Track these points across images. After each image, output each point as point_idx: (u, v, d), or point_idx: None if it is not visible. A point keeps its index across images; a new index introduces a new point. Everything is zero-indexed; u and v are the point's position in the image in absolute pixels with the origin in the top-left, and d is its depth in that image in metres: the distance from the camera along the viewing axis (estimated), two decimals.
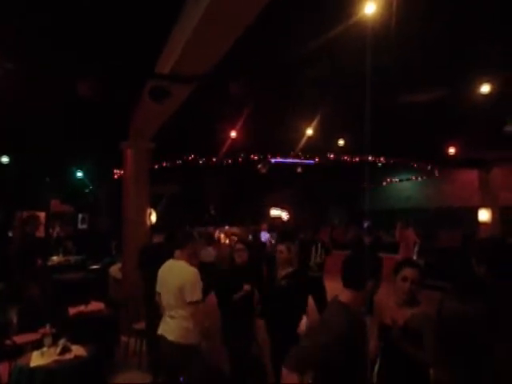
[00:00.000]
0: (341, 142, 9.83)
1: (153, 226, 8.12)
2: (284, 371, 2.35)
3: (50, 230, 13.00)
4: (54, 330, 4.47)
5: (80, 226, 14.59)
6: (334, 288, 2.93)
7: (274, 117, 8.00)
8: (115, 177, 12.28)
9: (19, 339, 5.18)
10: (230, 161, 11.63)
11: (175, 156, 11.44)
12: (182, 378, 4.04)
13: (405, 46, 5.01)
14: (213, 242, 8.67)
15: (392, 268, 3.07)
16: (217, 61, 4.40)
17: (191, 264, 4.06)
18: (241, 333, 4.65)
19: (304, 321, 4.13)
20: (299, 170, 13.84)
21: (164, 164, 11.62)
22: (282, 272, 4.51)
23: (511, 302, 2.69)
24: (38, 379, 3.86)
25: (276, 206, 19.93)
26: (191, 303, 3.84)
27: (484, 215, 13.46)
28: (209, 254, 7.79)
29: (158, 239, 6.26)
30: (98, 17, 4.34)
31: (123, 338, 6.36)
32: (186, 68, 4.65)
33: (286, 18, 4.44)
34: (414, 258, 10.00)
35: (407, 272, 2.98)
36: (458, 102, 7.20)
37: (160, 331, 4.05)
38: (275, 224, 16.58)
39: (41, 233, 10.19)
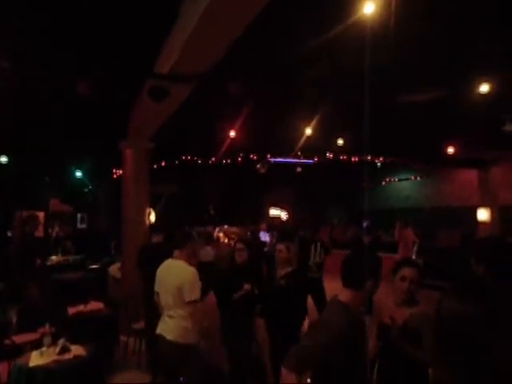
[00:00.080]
0: (340, 142, 9.83)
1: (152, 226, 8.13)
2: (283, 371, 2.35)
3: (49, 230, 13.00)
4: (53, 330, 4.48)
5: (79, 226, 14.58)
6: (334, 288, 2.93)
7: (274, 116, 8.00)
8: (114, 176, 12.29)
9: (18, 339, 5.18)
10: (229, 160, 11.63)
11: (174, 156, 11.44)
12: (181, 379, 4.04)
13: (404, 45, 5.01)
14: (211, 241, 8.67)
15: (391, 268, 3.07)
16: (216, 60, 4.40)
17: (190, 264, 4.06)
18: (240, 332, 4.65)
19: (307, 321, 4.14)
20: (299, 169, 13.85)
21: (163, 164, 11.62)
22: (282, 271, 4.50)
23: (510, 302, 2.69)
24: (38, 379, 3.86)
25: (275, 205, 19.92)
26: (190, 303, 3.85)
27: (483, 215, 13.46)
28: (208, 253, 7.80)
29: (157, 239, 6.27)
30: (98, 17, 4.34)
31: (122, 338, 6.36)
32: (185, 68, 4.65)
33: (285, 17, 4.44)
34: (413, 257, 9.99)
35: (406, 272, 2.99)
36: (457, 102, 7.20)
37: (158, 331, 4.06)
38: (274, 224, 16.58)
39: (40, 232, 10.18)
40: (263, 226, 11.92)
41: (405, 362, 2.85)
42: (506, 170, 13.04)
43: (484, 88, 6.32)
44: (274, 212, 19.89)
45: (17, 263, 6.74)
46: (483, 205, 13.50)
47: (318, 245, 7.45)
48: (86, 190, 14.00)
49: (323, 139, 9.63)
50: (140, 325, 5.99)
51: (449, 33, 4.91)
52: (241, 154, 11.45)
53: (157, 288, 4.20)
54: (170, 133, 7.99)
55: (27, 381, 3.87)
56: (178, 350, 3.89)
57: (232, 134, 8.59)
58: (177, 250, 4.14)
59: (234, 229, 7.56)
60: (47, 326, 4.46)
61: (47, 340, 4.25)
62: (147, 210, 7.86)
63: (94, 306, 6.08)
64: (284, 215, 19.93)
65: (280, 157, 12.04)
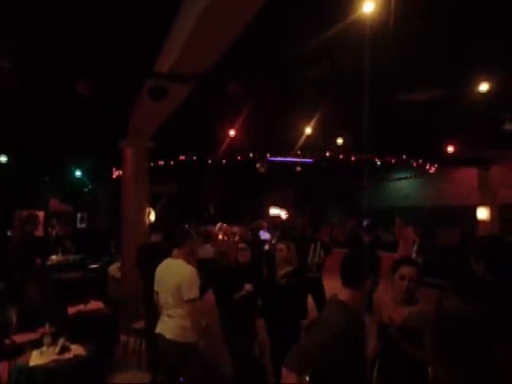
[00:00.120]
0: (339, 141, 9.82)
1: (151, 225, 8.13)
2: (284, 371, 2.35)
3: (49, 229, 13.00)
4: (53, 330, 4.48)
5: (79, 226, 14.59)
6: (333, 286, 2.94)
7: (274, 116, 8.00)
8: (114, 176, 12.29)
9: (18, 338, 5.18)
10: (229, 160, 11.62)
11: (174, 155, 11.44)
12: (181, 379, 4.04)
13: (403, 44, 5.01)
14: (211, 239, 8.67)
15: (390, 266, 3.07)
16: (216, 60, 4.40)
17: (189, 262, 4.06)
18: (242, 332, 4.64)
19: (307, 321, 4.15)
20: (298, 169, 13.83)
21: (163, 163, 11.62)
22: (282, 271, 4.50)
23: (510, 301, 2.70)
24: (38, 378, 3.87)
25: (275, 205, 19.92)
26: (188, 301, 3.84)
27: (483, 213, 13.46)
28: (207, 251, 7.82)
29: (156, 238, 6.27)
30: (97, 17, 4.34)
31: (122, 337, 6.36)
32: (184, 67, 4.65)
33: (284, 17, 4.44)
34: (413, 256, 9.98)
35: (405, 270, 2.99)
36: (457, 101, 7.20)
37: (158, 330, 4.06)
38: (274, 223, 16.56)
39: (40, 232, 10.19)
40: (264, 224, 11.89)
41: (405, 363, 2.85)
42: (505, 168, 13.04)
43: (484, 87, 6.32)
44: (273, 211, 19.89)
45: (17, 263, 6.75)
46: (483, 203, 13.50)
47: (318, 244, 7.43)
48: (86, 189, 14.01)
49: (322, 138, 9.63)
50: (140, 324, 5.99)
51: (448, 32, 4.91)
52: (241, 154, 11.45)
53: (156, 287, 4.20)
54: (170, 132, 7.99)
55: (27, 380, 3.87)
56: (178, 349, 3.89)
57: (232, 133, 8.59)
58: (175, 248, 4.14)
59: (235, 228, 7.53)
60: (47, 326, 4.47)
61: (47, 339, 4.26)
62: (147, 210, 7.87)
63: (94, 305, 6.08)
64: (284, 214, 19.92)
65: (280, 156, 12.04)
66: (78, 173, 12.88)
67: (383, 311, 3.06)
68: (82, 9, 4.16)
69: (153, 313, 4.57)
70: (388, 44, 4.74)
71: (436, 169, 13.80)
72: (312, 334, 2.56)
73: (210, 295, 4.92)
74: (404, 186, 17.47)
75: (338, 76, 5.98)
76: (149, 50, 4.89)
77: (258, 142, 10.30)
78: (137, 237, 7.31)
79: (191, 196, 16.36)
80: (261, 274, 5.33)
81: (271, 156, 11.83)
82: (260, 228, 10.09)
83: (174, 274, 4.00)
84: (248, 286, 4.58)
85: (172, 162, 11.61)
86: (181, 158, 11.37)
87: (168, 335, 3.93)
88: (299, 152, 11.35)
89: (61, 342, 4.23)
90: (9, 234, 10.54)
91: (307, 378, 2.50)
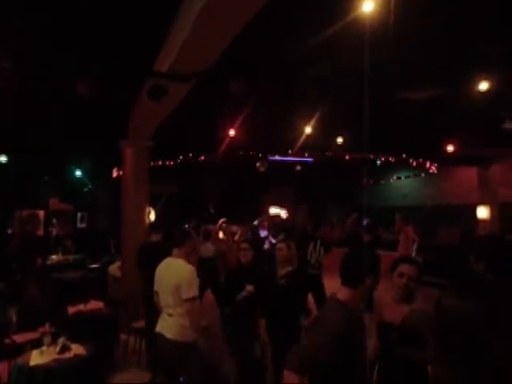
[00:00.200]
0: (339, 140, 9.83)
1: (151, 225, 8.14)
2: (285, 372, 2.35)
3: (50, 229, 13.01)
4: (53, 329, 4.48)
5: (79, 225, 14.60)
6: (332, 285, 2.93)
7: (274, 115, 8.00)
8: (114, 176, 12.29)
9: (19, 338, 5.17)
10: (229, 159, 11.62)
11: (174, 155, 11.44)
12: (181, 379, 4.04)
13: (403, 43, 5.01)
14: (211, 237, 8.69)
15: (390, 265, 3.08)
16: (215, 58, 4.39)
17: (190, 262, 4.06)
18: (243, 333, 4.63)
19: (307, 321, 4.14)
20: (298, 168, 13.82)
21: (163, 163, 11.62)
22: (282, 271, 4.47)
23: (510, 299, 2.70)
24: (38, 378, 3.86)
25: (275, 204, 19.91)
26: (188, 300, 3.84)
27: (483, 212, 13.47)
28: (208, 249, 7.86)
29: (156, 238, 6.27)
30: (97, 17, 4.34)
31: (123, 337, 6.36)
32: (184, 66, 4.64)
33: (286, 16, 4.44)
34: (413, 255, 9.98)
35: (404, 268, 2.99)
36: (457, 100, 7.20)
37: (158, 329, 4.06)
38: (274, 222, 16.55)
39: (40, 231, 10.20)
40: (264, 223, 11.88)
41: (405, 363, 2.85)
42: (505, 167, 13.04)
43: (483, 86, 6.33)
44: (273, 210, 19.88)
45: (17, 262, 6.75)
46: (483, 202, 13.50)
47: (318, 242, 7.43)
48: (86, 189, 14.02)
49: (322, 137, 9.64)
50: (140, 324, 5.99)
51: (448, 30, 4.91)
52: (240, 153, 11.45)
53: (156, 287, 4.19)
54: (170, 132, 8.00)
55: (27, 380, 3.87)
56: (178, 349, 3.89)
57: (232, 132, 8.59)
58: (176, 248, 4.14)
59: (234, 227, 7.54)
60: (47, 325, 4.46)
61: (47, 339, 4.26)
62: (147, 210, 7.87)
63: (94, 305, 6.08)
64: (284, 214, 19.91)
65: (280, 155, 12.03)
66: (77, 173, 12.90)
67: (383, 310, 3.06)
68: (82, 9, 4.16)
69: (153, 312, 4.57)
70: (388, 43, 4.74)
71: (436, 168, 13.80)
72: (312, 335, 2.55)
73: (210, 295, 4.92)
74: (404, 185, 17.47)
75: (338, 76, 5.99)
76: (149, 50, 4.89)
77: (258, 141, 10.30)
78: (137, 237, 7.30)
79: (191, 196, 16.36)
80: (263, 274, 5.32)
81: (271, 155, 11.83)
82: (260, 226, 10.10)
83: (174, 273, 4.00)
84: (249, 287, 4.56)
85: (173, 162, 11.61)
86: (181, 157, 11.37)
87: (168, 334, 3.93)
88: (299, 151, 11.35)
89: (61, 341, 4.22)
90: (9, 232, 10.53)
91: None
